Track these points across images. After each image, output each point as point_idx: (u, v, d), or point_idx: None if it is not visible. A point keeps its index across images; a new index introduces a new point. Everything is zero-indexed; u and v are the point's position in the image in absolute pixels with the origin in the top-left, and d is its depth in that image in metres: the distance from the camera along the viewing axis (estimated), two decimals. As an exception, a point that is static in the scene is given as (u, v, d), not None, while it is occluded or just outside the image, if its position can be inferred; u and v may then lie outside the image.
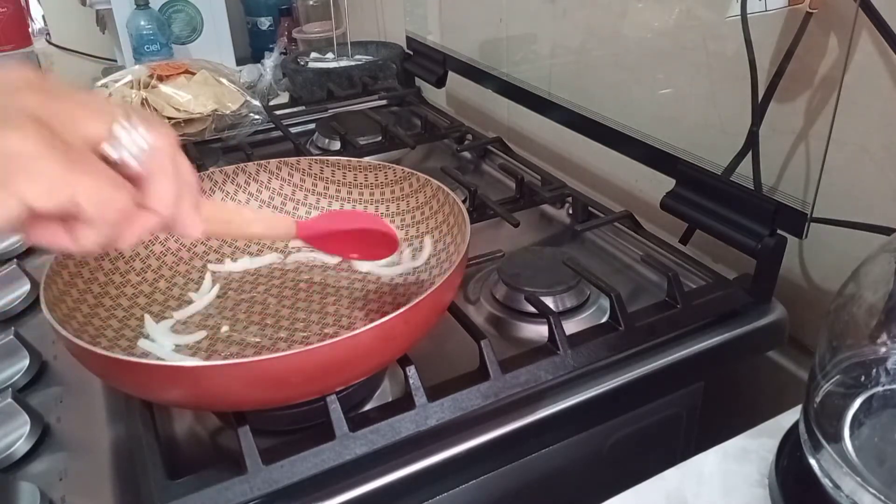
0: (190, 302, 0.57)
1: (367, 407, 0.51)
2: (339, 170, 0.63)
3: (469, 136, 0.93)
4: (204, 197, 0.38)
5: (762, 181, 0.61)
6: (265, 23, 1.49)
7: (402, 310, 0.42)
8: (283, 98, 1.24)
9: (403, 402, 0.48)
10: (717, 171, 0.62)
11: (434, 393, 0.48)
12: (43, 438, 0.50)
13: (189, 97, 0.93)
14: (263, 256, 0.62)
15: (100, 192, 0.29)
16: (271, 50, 1.30)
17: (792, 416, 0.44)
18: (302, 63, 1.23)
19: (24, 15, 1.58)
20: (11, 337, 0.57)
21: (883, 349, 0.36)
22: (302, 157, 0.64)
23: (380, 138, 0.93)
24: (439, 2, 1.12)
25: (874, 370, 0.36)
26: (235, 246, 0.62)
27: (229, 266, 0.61)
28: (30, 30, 1.60)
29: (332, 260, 0.61)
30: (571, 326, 0.55)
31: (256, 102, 0.98)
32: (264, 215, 0.52)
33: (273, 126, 0.99)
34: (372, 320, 0.44)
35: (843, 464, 0.35)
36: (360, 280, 0.59)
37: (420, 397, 0.47)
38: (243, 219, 0.45)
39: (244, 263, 0.61)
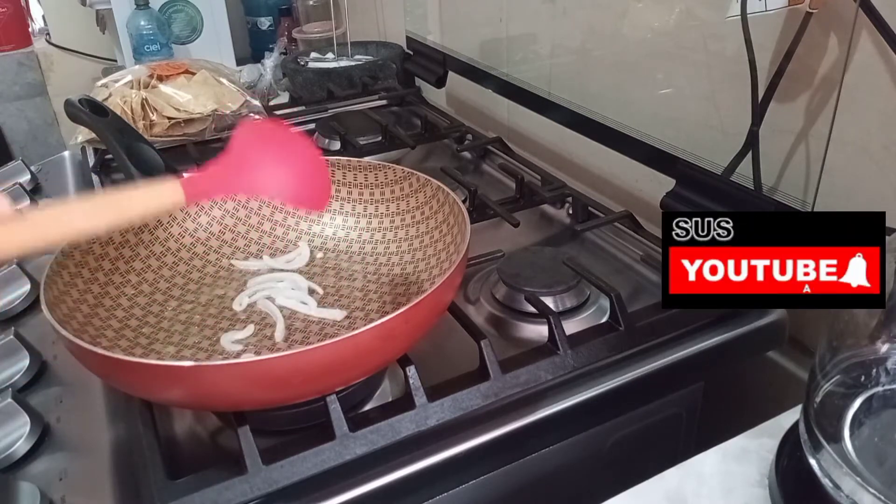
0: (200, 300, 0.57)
1: (367, 407, 0.51)
2: (339, 170, 0.63)
3: (469, 136, 0.93)
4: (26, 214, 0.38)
5: (762, 181, 0.61)
6: (265, 23, 1.49)
7: (402, 310, 0.42)
8: (283, 98, 1.24)
9: (403, 402, 0.48)
10: (717, 171, 0.62)
11: (434, 393, 0.48)
12: (43, 438, 0.50)
13: (189, 97, 0.93)
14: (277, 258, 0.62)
15: None
16: (271, 50, 1.30)
17: (792, 416, 0.44)
18: (302, 63, 1.23)
19: (24, 15, 1.58)
20: (11, 337, 0.57)
21: (883, 349, 0.36)
22: (302, 157, 0.64)
23: (380, 138, 0.93)
24: (439, 2, 1.12)
25: (874, 370, 0.36)
26: (235, 246, 0.62)
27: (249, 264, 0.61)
28: (30, 30, 1.60)
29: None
30: (571, 326, 0.55)
31: (256, 102, 0.98)
32: (113, 200, 0.40)
33: (273, 126, 0.98)
34: (372, 320, 0.44)
35: (843, 464, 0.35)
36: (360, 280, 0.59)
37: (420, 397, 0.47)
38: (70, 218, 0.38)
39: (253, 264, 0.61)
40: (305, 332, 0.53)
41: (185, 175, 0.43)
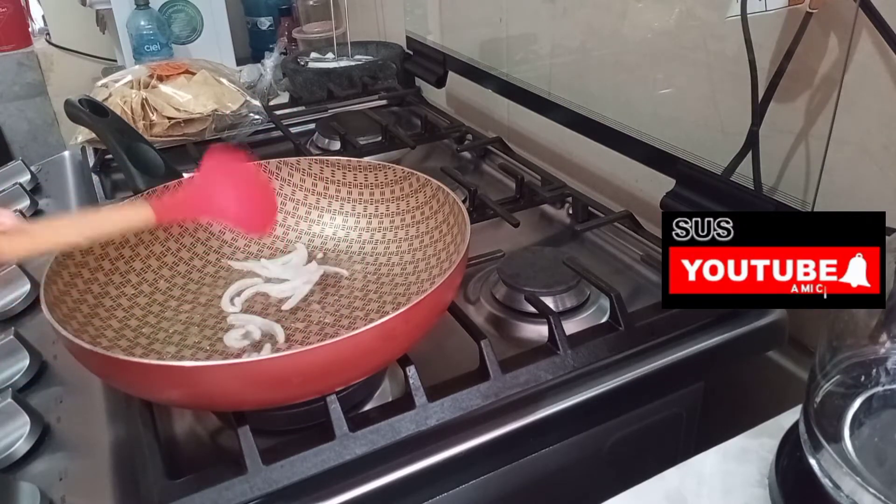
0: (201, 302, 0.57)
1: (367, 407, 0.51)
2: (339, 170, 0.63)
3: (469, 136, 0.93)
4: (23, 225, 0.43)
5: (762, 181, 0.61)
6: (265, 23, 1.49)
7: (402, 310, 0.42)
8: (283, 98, 1.24)
9: (403, 402, 0.48)
10: (717, 171, 0.62)
11: (434, 393, 0.48)
12: (43, 438, 0.50)
13: (189, 97, 0.93)
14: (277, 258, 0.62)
15: None
16: (271, 50, 1.30)
17: (792, 416, 0.44)
18: (302, 63, 1.23)
19: (24, 15, 1.58)
20: (11, 337, 0.57)
21: (883, 349, 0.36)
22: (302, 157, 0.65)
23: (380, 138, 0.93)
24: (439, 2, 1.12)
25: (874, 370, 0.36)
26: (235, 246, 0.62)
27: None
28: (30, 30, 1.60)
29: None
30: (571, 326, 0.55)
31: (256, 102, 0.98)
32: (91, 219, 0.47)
33: (273, 126, 0.99)
34: (372, 320, 0.44)
35: (843, 464, 0.35)
36: (360, 280, 0.59)
37: (420, 397, 0.47)
38: (60, 231, 0.45)
39: (250, 265, 0.61)
40: (306, 333, 0.53)
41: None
